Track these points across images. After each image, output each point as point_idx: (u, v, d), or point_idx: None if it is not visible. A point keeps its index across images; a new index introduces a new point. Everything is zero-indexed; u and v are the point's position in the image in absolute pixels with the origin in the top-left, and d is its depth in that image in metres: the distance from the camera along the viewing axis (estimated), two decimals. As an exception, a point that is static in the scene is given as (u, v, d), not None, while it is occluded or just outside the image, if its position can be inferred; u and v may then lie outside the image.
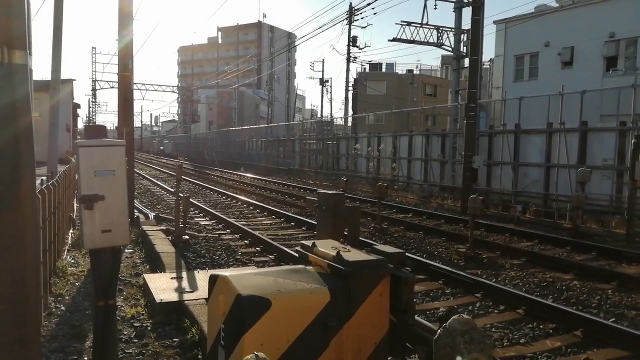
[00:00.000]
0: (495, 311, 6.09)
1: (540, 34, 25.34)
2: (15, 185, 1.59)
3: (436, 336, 1.78)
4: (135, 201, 13.44)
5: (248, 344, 2.26)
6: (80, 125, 45.46)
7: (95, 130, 3.74)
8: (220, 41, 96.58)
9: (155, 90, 50.63)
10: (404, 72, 48.63)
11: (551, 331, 5.42)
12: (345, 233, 3.97)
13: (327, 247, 2.84)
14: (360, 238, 9.37)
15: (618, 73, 22.21)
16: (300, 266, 2.80)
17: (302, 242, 3.07)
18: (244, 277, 2.50)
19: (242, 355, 2.09)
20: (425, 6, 19.35)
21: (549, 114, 15.66)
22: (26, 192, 1.61)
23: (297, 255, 3.06)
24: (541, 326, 5.54)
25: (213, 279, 2.65)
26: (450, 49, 21.01)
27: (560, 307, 5.87)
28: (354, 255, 2.70)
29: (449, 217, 13.51)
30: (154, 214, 12.19)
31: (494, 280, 7.41)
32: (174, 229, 9.75)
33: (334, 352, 2.48)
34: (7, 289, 1.58)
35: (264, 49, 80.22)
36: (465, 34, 20.10)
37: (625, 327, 5.33)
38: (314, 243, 2.90)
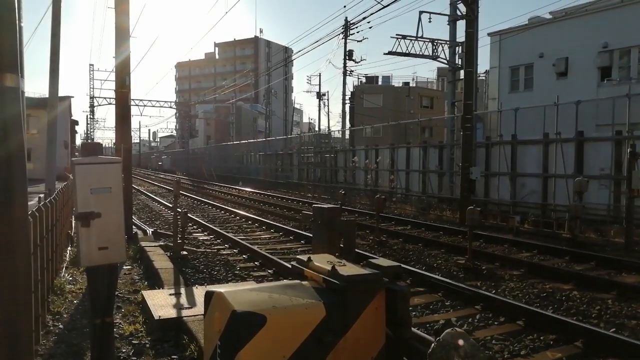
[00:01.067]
0: (495, 323, 6.06)
1: (534, 46, 25.56)
2: (7, 206, 1.59)
3: (430, 350, 1.78)
4: (133, 217, 13.42)
5: (244, 360, 2.26)
6: (79, 141, 45.54)
7: (91, 148, 3.77)
8: (217, 57, 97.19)
9: (153, 106, 50.85)
10: (401, 84, 48.93)
11: (552, 342, 5.39)
12: (342, 246, 3.97)
13: (322, 261, 2.84)
14: (359, 251, 9.36)
15: (612, 83, 22.37)
16: (295, 281, 2.79)
17: (297, 256, 3.07)
18: (239, 293, 2.50)
19: (238, 372, 2.09)
20: (419, 19, 19.53)
21: (545, 125, 15.73)
22: (18, 213, 1.61)
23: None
24: (541, 337, 5.51)
25: (209, 295, 2.64)
26: (445, 62, 21.17)
27: (560, 318, 5.85)
28: (349, 269, 2.70)
29: (447, 228, 13.50)
30: (152, 230, 12.17)
31: (494, 291, 7.39)
32: (172, 244, 9.73)
33: (330, 368, 2.47)
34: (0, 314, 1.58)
35: (260, 64, 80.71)
36: (460, 47, 20.28)
37: (626, 337, 5.31)
38: (309, 258, 2.90)
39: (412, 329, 3.01)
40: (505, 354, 5.12)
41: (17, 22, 1.50)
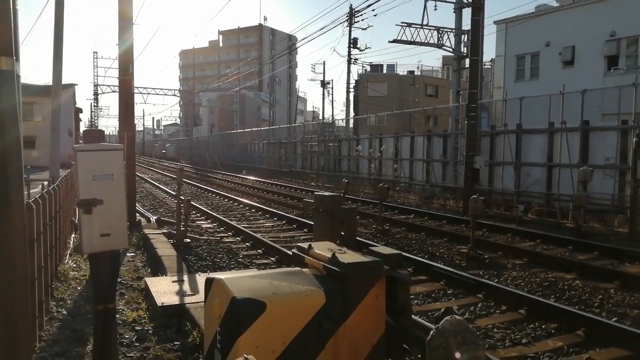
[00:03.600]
0: (497, 311, 6.07)
1: (540, 34, 25.32)
2: (3, 199, 1.58)
3: (429, 337, 1.78)
4: (137, 205, 13.47)
5: (243, 346, 2.26)
6: (83, 129, 45.63)
7: (93, 135, 3.76)
8: (221, 44, 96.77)
9: (157, 94, 50.75)
10: (405, 73, 48.66)
11: (553, 331, 5.39)
12: (343, 234, 3.98)
13: (323, 249, 2.84)
14: (362, 239, 9.38)
15: (619, 72, 22.17)
16: (296, 268, 2.80)
17: (298, 244, 3.07)
18: (239, 280, 2.50)
19: (237, 358, 2.10)
20: (425, 7, 19.37)
21: (550, 114, 15.63)
22: (14, 205, 1.59)
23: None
24: (543, 326, 5.52)
25: (209, 282, 2.65)
26: (450, 50, 21.01)
27: (562, 307, 5.85)
28: (349, 257, 2.70)
29: (451, 217, 13.49)
30: (156, 218, 12.21)
31: (496, 280, 7.39)
32: (175, 232, 9.76)
33: (330, 355, 2.48)
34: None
35: (265, 52, 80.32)
36: (466, 35, 20.10)
37: (628, 327, 5.30)
38: (310, 245, 2.90)
39: (413, 316, 3.02)
40: (507, 342, 5.13)
41: (11, 3, 1.47)
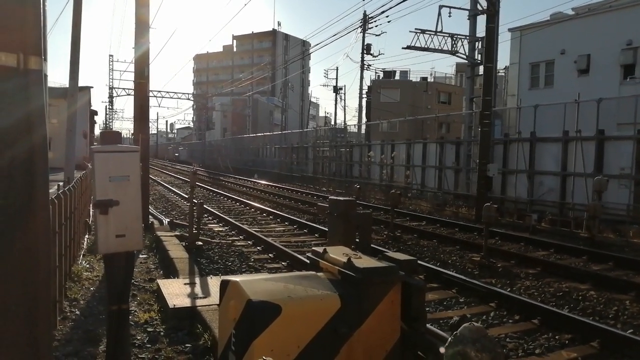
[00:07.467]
0: (510, 321, 6.01)
1: (556, 42, 25.14)
2: (29, 197, 1.60)
3: (447, 344, 1.77)
4: (150, 207, 13.55)
5: (258, 349, 2.26)
6: (97, 131, 46.09)
7: (110, 137, 3.79)
8: (235, 49, 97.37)
9: (171, 98, 51.21)
10: (418, 79, 48.56)
11: (567, 342, 5.33)
12: (357, 240, 3.96)
13: (338, 253, 2.84)
14: (374, 245, 9.34)
15: (635, 81, 21.92)
16: (310, 272, 2.79)
17: (313, 248, 3.07)
18: (254, 283, 2.51)
19: (253, 360, 2.09)
20: (439, 14, 19.33)
21: (565, 122, 15.49)
22: (40, 204, 1.61)
23: (308, 261, 3.06)
24: (557, 337, 5.45)
25: (224, 284, 2.65)
26: (464, 57, 20.94)
27: (576, 318, 5.77)
28: (365, 262, 2.68)
29: (463, 225, 13.40)
30: (168, 220, 12.27)
31: (509, 289, 7.32)
32: (187, 234, 9.81)
33: (344, 360, 2.47)
34: (20, 296, 1.59)
35: (278, 57, 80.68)
36: (480, 42, 20.04)
37: (644, 339, 5.22)
38: (324, 249, 2.90)
39: (427, 324, 3.00)
40: (520, 352, 5.07)
41: (41, 4, 1.50)
